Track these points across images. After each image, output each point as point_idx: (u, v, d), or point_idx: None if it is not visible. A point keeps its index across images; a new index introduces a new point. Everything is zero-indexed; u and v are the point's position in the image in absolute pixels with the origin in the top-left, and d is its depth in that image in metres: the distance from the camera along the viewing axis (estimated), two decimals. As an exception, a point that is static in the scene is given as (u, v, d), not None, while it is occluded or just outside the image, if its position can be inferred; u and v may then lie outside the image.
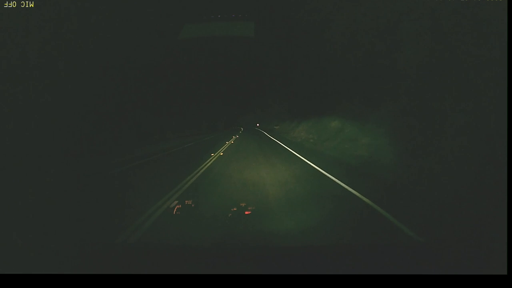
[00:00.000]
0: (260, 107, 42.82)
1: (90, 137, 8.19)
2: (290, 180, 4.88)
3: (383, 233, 2.68)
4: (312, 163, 6.77)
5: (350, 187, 4.30)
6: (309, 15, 9.14)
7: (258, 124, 47.79)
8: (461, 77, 4.97)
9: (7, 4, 4.44)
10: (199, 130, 28.68)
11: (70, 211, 3.44)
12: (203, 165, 6.73)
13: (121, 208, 3.49)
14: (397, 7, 6.42)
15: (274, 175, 5.31)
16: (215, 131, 36.20)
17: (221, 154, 9.06)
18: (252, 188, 4.36)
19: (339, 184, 4.55)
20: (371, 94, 8.32)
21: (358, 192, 4.01)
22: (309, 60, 12.68)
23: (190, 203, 3.65)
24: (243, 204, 3.45)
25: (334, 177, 5.08)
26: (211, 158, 8.01)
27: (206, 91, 29.78)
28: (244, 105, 50.35)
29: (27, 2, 4.52)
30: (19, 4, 4.49)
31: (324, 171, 5.67)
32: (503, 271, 1.37)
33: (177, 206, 3.49)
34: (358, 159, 6.89)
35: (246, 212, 3.23)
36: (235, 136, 21.78)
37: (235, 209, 3.31)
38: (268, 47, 13.94)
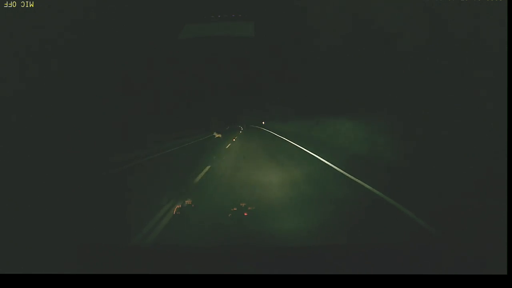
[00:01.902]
0: (263, 106, 36.66)
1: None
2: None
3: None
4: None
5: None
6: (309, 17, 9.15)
7: (264, 123, 37.36)
8: (460, 77, 4.98)
9: (7, 4, 4.43)
10: (177, 133, 18.91)
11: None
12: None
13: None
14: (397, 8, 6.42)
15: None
16: (200, 133, 24.39)
17: None
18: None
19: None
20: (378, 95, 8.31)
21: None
22: (316, 59, 12.59)
23: (190, 203, 3.65)
24: (243, 204, 3.45)
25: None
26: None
27: (199, 88, 27.58)
28: (245, 102, 46.63)
29: (27, 2, 4.52)
30: (19, 4, 4.48)
31: None
32: (503, 271, 1.37)
33: (177, 206, 3.48)
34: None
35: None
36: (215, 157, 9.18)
37: (235, 209, 3.31)
38: (271, 45, 13.80)
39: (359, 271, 1.37)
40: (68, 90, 7.30)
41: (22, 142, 5.80)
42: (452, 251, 1.74)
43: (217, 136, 18.07)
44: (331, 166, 6.56)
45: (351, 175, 5.37)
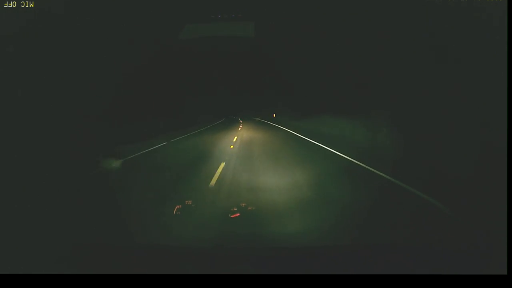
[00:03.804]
0: (268, 101, 31.53)
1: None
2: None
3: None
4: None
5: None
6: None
7: (274, 115, 28.09)
8: (458, 76, 4.99)
9: (7, 4, 4.44)
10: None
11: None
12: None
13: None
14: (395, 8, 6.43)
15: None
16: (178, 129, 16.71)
17: None
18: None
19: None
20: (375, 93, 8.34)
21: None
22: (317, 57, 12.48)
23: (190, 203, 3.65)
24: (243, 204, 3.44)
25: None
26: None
27: (196, 83, 26.03)
28: (247, 97, 43.61)
29: (27, 2, 4.52)
30: (19, 4, 4.48)
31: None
32: (503, 271, 1.37)
33: (177, 206, 3.48)
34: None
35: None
36: None
37: (235, 209, 3.31)
38: (270, 43, 13.69)
39: (360, 271, 1.37)
40: (68, 89, 7.30)
41: (27, 142, 5.81)
42: (452, 251, 1.74)
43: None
44: None
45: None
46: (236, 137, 12.43)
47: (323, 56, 11.76)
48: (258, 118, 33.72)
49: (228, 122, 29.74)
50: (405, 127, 6.93)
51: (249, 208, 3.34)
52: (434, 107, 5.79)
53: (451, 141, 5.14)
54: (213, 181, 4.70)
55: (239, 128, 18.89)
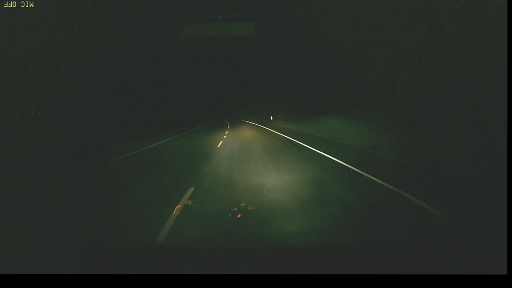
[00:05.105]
0: (265, 102, 29.37)
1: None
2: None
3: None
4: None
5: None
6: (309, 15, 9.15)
7: (272, 118, 25.19)
8: (457, 77, 4.98)
9: (7, 4, 4.44)
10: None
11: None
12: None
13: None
14: (394, 6, 6.43)
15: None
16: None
17: None
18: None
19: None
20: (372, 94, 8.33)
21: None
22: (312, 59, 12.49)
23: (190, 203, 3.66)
24: (243, 204, 3.45)
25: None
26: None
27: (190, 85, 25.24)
28: (241, 99, 41.86)
29: (27, 2, 4.52)
30: (19, 4, 4.48)
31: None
32: (503, 271, 1.37)
33: (178, 206, 3.49)
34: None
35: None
36: None
37: (235, 209, 3.31)
38: (268, 44, 13.69)
39: (359, 271, 1.36)
40: (68, 89, 7.30)
41: (32, 140, 5.84)
42: (452, 251, 1.74)
43: None
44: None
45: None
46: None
47: (324, 56, 11.77)
48: (254, 122, 28.53)
49: (214, 128, 24.51)
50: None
51: (249, 208, 3.34)
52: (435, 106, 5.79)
53: (450, 141, 5.14)
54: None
55: (224, 136, 13.97)
